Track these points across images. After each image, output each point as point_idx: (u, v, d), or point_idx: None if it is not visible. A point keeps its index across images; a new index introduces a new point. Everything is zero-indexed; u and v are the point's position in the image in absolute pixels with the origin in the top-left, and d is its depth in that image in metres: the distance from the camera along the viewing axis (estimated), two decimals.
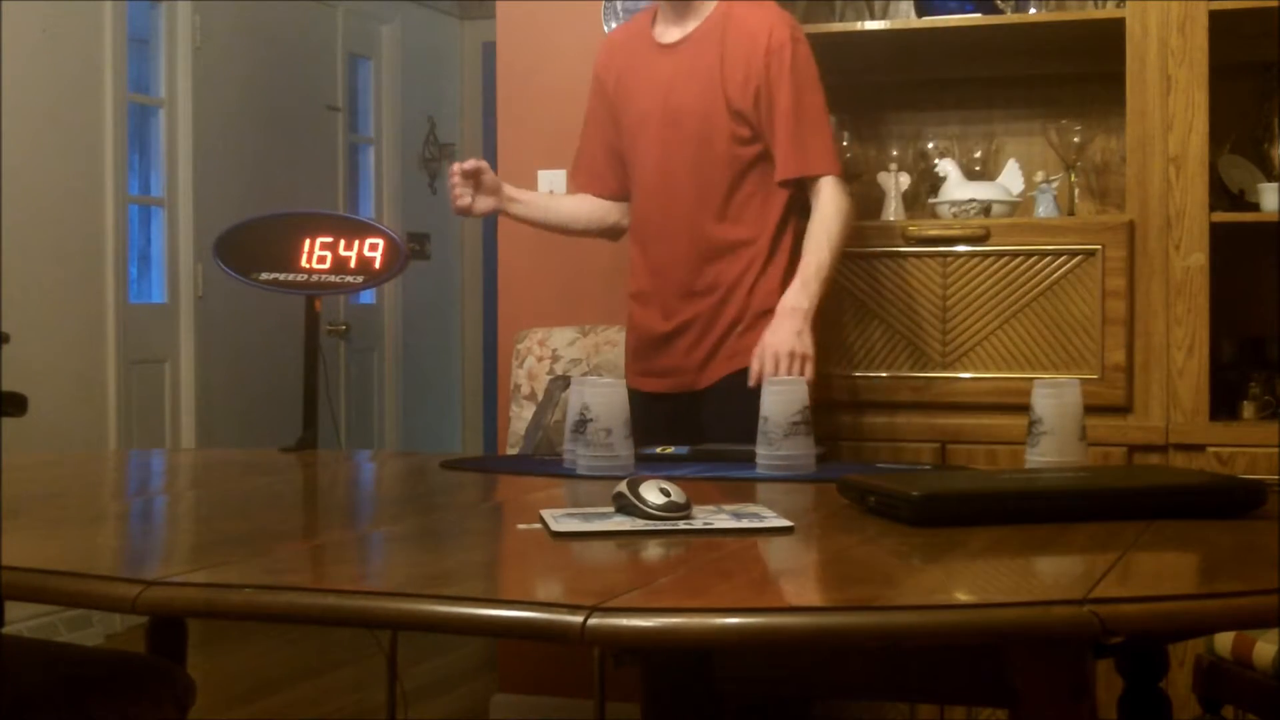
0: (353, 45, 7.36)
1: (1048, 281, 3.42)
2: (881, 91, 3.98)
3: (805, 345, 2.99)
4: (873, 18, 3.72)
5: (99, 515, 2.34)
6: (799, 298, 3.03)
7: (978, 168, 3.80)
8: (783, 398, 2.46)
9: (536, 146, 4.03)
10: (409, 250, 3.55)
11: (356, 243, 3.38)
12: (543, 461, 2.81)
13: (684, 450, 2.68)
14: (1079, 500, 2.01)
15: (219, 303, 6.07)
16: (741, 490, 2.30)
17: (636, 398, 2.73)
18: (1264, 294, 3.65)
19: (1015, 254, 3.45)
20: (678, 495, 1.95)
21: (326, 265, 3.37)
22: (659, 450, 2.66)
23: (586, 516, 1.97)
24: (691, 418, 3.13)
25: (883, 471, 2.55)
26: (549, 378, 3.66)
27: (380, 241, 3.39)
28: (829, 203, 3.09)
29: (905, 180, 3.78)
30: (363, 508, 2.62)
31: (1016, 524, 1.92)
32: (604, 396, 2.45)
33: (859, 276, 3.53)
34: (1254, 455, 3.29)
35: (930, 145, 3.86)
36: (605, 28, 3.92)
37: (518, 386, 3.79)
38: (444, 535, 2.12)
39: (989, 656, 1.82)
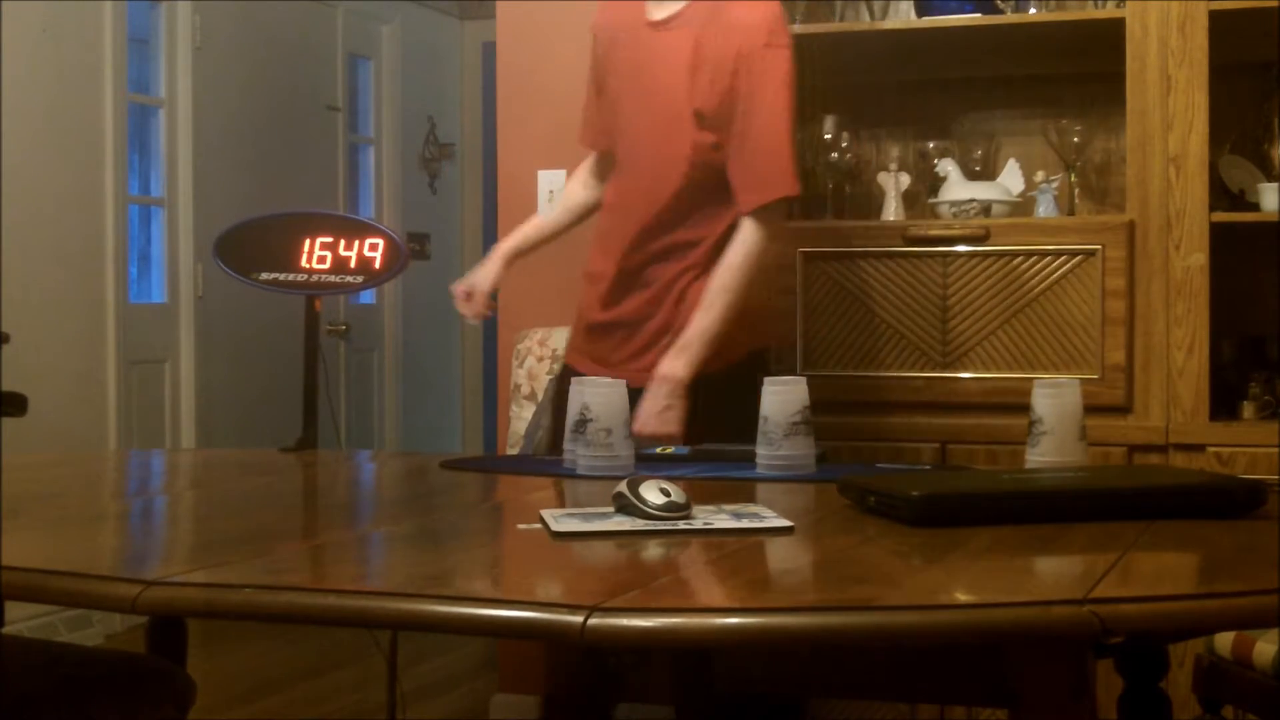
0: (353, 45, 7.36)
1: (1048, 281, 3.42)
2: (881, 91, 3.97)
3: (667, 422, 2.88)
4: (873, 18, 3.72)
5: (99, 515, 2.33)
6: (675, 365, 2.91)
7: (978, 168, 3.80)
8: (783, 398, 2.45)
9: (536, 146, 4.03)
10: (409, 250, 3.55)
11: (356, 243, 3.38)
12: (543, 461, 2.81)
13: (684, 450, 2.68)
14: (1079, 500, 2.01)
15: (219, 303, 6.07)
16: (741, 490, 2.30)
17: (572, 373, 2.92)
18: (1264, 294, 3.65)
19: (1015, 254, 3.45)
20: (678, 495, 1.94)
21: (326, 265, 3.37)
22: (659, 450, 2.66)
23: (586, 516, 1.97)
24: None
25: (883, 472, 2.55)
26: (549, 378, 3.66)
27: (380, 241, 3.39)
28: (738, 249, 2.94)
29: (905, 180, 3.78)
30: (363, 508, 2.62)
31: (1016, 524, 1.91)
32: (604, 396, 2.44)
33: (859, 277, 3.53)
34: (1254, 455, 3.29)
35: (930, 145, 3.86)
36: None
37: (518, 386, 3.79)
38: (444, 535, 2.12)
39: (989, 656, 1.82)
